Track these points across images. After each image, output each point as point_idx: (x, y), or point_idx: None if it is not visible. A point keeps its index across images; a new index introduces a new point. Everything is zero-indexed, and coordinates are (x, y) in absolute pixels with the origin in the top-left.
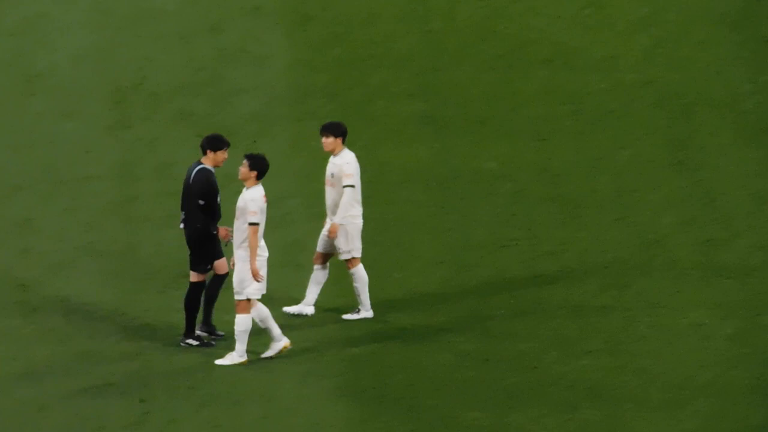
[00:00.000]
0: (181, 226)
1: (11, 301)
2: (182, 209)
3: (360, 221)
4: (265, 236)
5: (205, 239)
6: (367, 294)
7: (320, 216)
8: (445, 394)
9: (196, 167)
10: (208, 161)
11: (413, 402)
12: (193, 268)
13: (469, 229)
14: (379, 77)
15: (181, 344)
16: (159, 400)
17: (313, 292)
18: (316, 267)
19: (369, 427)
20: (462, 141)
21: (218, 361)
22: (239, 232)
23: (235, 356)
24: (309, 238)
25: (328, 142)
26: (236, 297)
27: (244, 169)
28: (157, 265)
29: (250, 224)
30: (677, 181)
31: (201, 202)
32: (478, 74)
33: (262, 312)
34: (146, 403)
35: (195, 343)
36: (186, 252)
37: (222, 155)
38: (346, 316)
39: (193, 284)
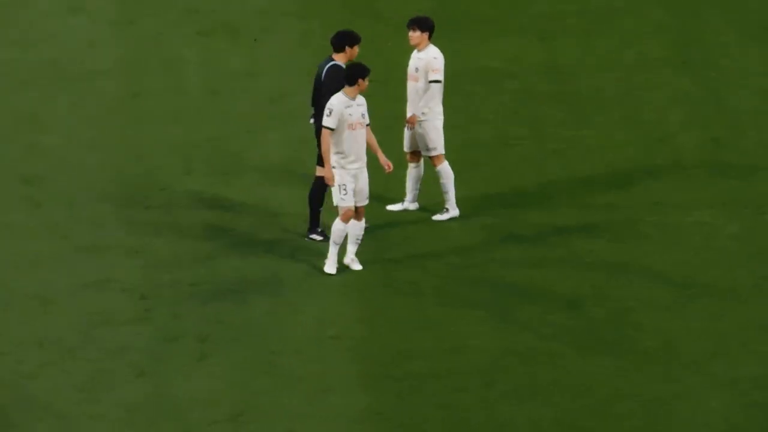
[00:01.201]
0: (311, 121)
1: (16, 195)
2: (312, 105)
3: (442, 118)
4: (272, 130)
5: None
6: (453, 191)
7: None
8: (450, 292)
9: (327, 63)
10: (341, 57)
11: (418, 298)
12: (320, 163)
13: (475, 127)
14: None
15: (306, 239)
16: (162, 296)
17: (412, 190)
18: (411, 165)
19: (374, 324)
20: (467, 40)
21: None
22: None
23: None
24: (313, 134)
25: (415, 36)
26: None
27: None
28: (161, 162)
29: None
30: (682, 80)
31: (324, 96)
32: None
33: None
34: (149, 300)
35: (319, 238)
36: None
37: (357, 50)
38: (435, 217)
39: (319, 178)
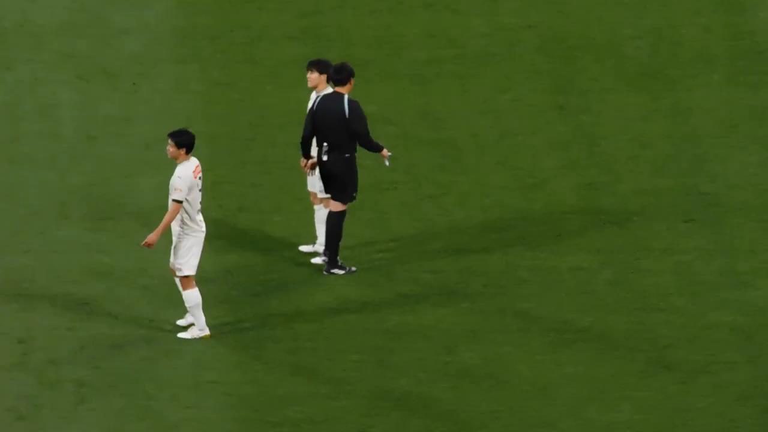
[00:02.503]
0: (324, 158)
1: None
2: (323, 141)
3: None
4: (150, 179)
5: (354, 168)
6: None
7: (200, 159)
8: (325, 337)
9: (341, 99)
10: (345, 90)
11: (293, 344)
12: (338, 198)
13: None
14: (262, 20)
15: (325, 273)
16: (39, 340)
17: (321, 231)
18: (316, 207)
19: (249, 369)
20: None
21: (181, 335)
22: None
23: (196, 330)
24: None
25: (313, 77)
26: (180, 274)
27: (171, 148)
28: (38, 206)
29: (174, 201)
30: (558, 125)
31: (359, 130)
32: (359, 17)
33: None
34: (26, 344)
35: (341, 272)
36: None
37: (352, 83)
38: (302, 248)
39: (338, 213)
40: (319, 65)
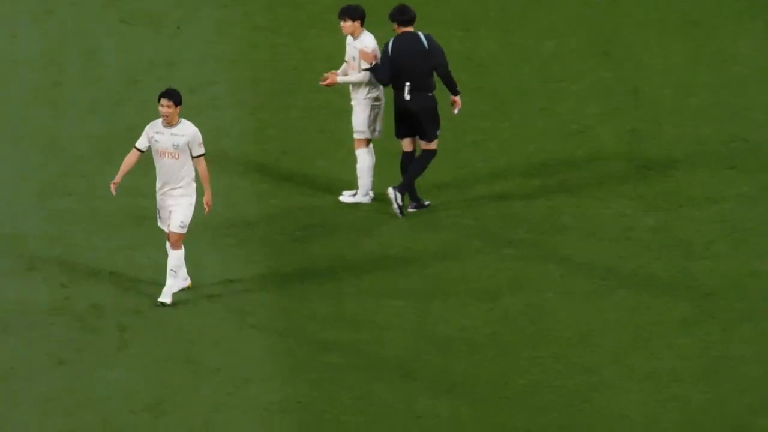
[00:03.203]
0: (407, 97)
1: None
2: (405, 81)
3: (379, 104)
4: (194, 122)
5: (437, 105)
6: (369, 178)
7: (244, 103)
8: (369, 282)
9: (417, 36)
10: (413, 28)
11: (336, 290)
12: (428, 138)
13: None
14: None
15: (389, 191)
16: (81, 285)
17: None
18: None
19: (292, 315)
20: (388, 28)
21: (164, 299)
22: None
23: (181, 281)
24: (233, 125)
25: (347, 25)
26: (184, 231)
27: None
28: (82, 151)
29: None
30: (602, 72)
31: (441, 62)
32: None
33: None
34: (68, 288)
35: (399, 200)
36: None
37: None
38: (343, 198)
39: (432, 152)
40: (350, 12)
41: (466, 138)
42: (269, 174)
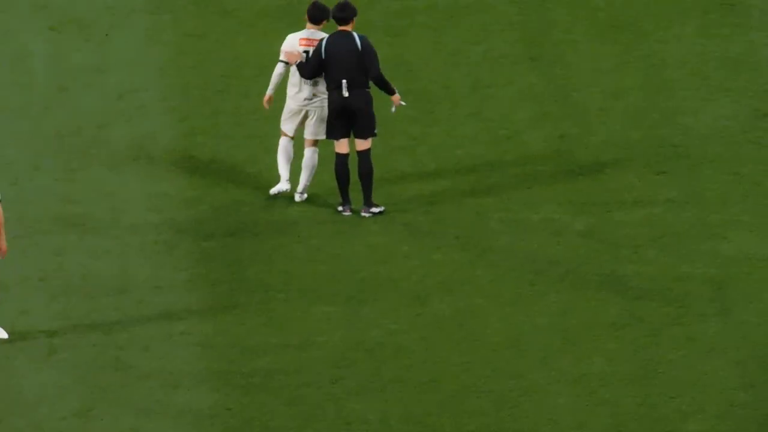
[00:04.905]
0: (345, 94)
1: None
2: (341, 79)
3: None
4: (122, 129)
5: (393, 91)
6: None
7: (173, 109)
8: (297, 286)
9: (351, 35)
10: (351, 28)
11: (265, 295)
12: (364, 134)
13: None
14: None
15: (363, 214)
16: (10, 291)
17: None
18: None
19: (221, 320)
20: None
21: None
22: None
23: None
24: (162, 132)
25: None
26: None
27: None
28: (10, 157)
29: None
30: (531, 77)
31: (372, 66)
32: None
33: None
34: None
35: (378, 210)
36: None
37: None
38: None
39: (369, 150)
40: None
41: (395, 143)
42: (198, 180)
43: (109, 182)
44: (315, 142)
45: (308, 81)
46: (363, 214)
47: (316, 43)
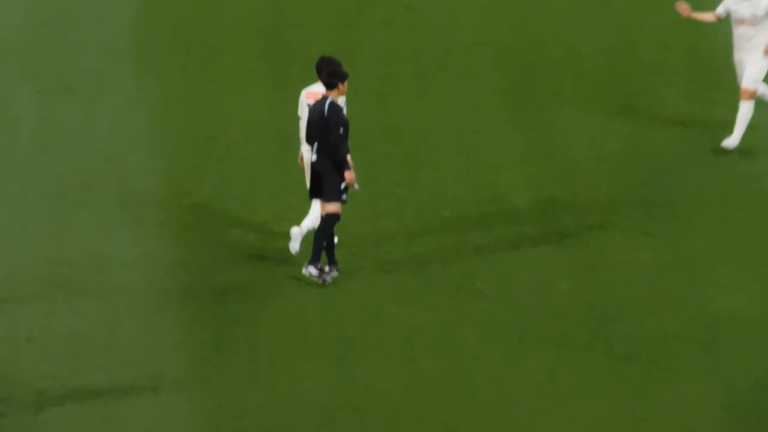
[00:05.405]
0: (313, 159)
1: None
2: (313, 142)
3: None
4: (108, 193)
5: (342, 168)
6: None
7: (160, 172)
8: (283, 348)
9: (324, 101)
10: (333, 94)
11: (251, 354)
12: (331, 199)
13: None
14: (221, 36)
15: (303, 271)
16: None
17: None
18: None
19: (208, 381)
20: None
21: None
22: None
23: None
24: (148, 194)
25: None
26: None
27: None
28: None
29: None
30: (517, 139)
31: (331, 131)
32: (318, 33)
33: None
34: None
35: (316, 274)
36: None
37: (346, 85)
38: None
39: (331, 215)
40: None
41: (382, 205)
42: (185, 242)
43: (97, 244)
44: None
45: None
46: (303, 269)
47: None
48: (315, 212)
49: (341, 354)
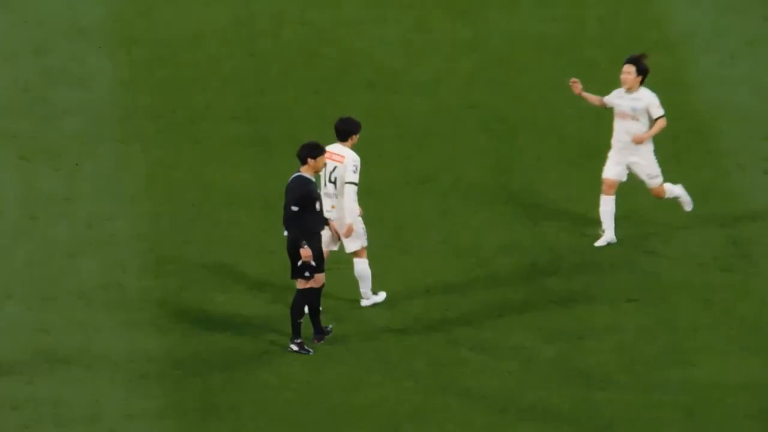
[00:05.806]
0: (285, 233)
1: None
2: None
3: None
4: (92, 258)
5: (297, 243)
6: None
7: (143, 238)
8: (267, 416)
9: (295, 175)
10: (306, 170)
11: (236, 424)
12: (294, 277)
13: None
14: (204, 99)
15: (317, 343)
16: None
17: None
18: None
19: None
20: (286, 163)
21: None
22: None
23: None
24: (132, 260)
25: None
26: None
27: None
28: None
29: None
30: (500, 204)
31: (294, 208)
32: (302, 96)
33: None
34: None
35: (295, 347)
36: None
37: (322, 161)
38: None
39: (300, 291)
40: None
41: None
42: (169, 308)
43: (80, 311)
44: (355, 253)
45: (329, 196)
46: (316, 343)
47: (337, 159)
48: (357, 266)
49: (325, 421)
